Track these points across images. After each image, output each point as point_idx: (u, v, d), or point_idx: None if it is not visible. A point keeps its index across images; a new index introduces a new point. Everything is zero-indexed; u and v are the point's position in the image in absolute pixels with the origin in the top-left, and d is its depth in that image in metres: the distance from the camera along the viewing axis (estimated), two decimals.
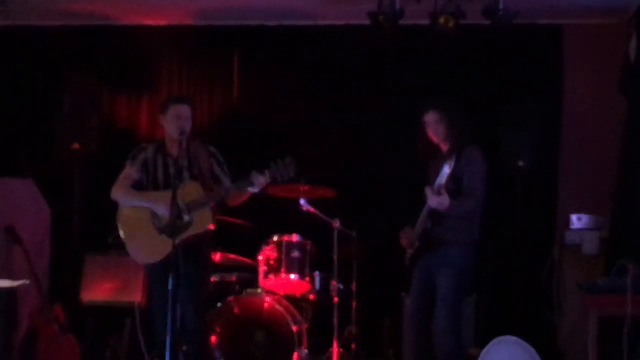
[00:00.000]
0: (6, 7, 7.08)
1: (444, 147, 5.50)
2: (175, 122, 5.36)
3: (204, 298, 5.46)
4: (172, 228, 5.00)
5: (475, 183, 5.36)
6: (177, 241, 4.98)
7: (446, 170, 5.14)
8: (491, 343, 5.30)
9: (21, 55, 7.74)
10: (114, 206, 5.50)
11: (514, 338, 5.32)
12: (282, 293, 6.53)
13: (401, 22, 6.75)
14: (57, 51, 7.73)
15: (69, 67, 7.66)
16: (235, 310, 6.27)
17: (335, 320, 6.31)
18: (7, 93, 7.66)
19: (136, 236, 5.34)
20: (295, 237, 6.53)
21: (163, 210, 5.20)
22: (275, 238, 6.54)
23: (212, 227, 5.29)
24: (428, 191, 5.24)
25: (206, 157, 5.45)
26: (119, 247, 5.44)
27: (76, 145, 7.07)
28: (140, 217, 5.32)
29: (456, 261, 5.35)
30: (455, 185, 5.28)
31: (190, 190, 5.25)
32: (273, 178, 5.15)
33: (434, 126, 5.48)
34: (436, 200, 5.18)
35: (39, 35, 7.75)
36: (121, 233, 5.39)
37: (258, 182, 5.17)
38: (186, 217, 5.21)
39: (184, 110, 5.41)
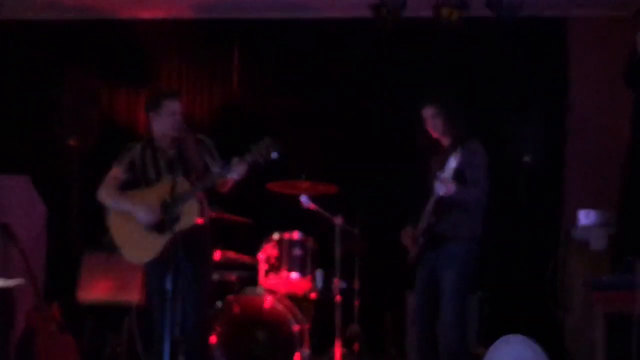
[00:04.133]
0: (3, 0, 7.03)
1: (444, 142, 5.48)
2: (170, 118, 5.29)
3: (204, 294, 5.39)
4: (165, 223, 5.04)
5: (479, 175, 5.35)
6: (167, 238, 5.01)
7: (452, 163, 5.10)
8: (497, 342, 5.23)
9: (19, 49, 7.72)
10: None
11: (520, 337, 5.25)
12: (283, 292, 6.45)
13: (404, 14, 6.73)
14: (55, 46, 7.72)
15: (67, 61, 7.63)
16: (236, 309, 6.20)
17: (337, 319, 6.25)
18: (4, 88, 7.63)
19: (127, 238, 5.29)
20: (296, 235, 6.46)
21: (142, 218, 5.17)
22: (276, 236, 6.47)
23: (199, 221, 5.17)
24: (435, 183, 5.21)
25: (194, 146, 5.34)
26: (113, 247, 5.38)
27: (74, 141, 7.02)
28: (128, 219, 5.26)
29: (459, 257, 5.32)
30: (458, 180, 5.22)
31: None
32: (254, 162, 5.04)
33: (431, 121, 5.46)
34: (443, 187, 5.15)
35: (37, 29, 7.75)
36: (114, 238, 5.35)
37: (237, 169, 5.05)
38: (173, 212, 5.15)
39: (178, 105, 5.36)
